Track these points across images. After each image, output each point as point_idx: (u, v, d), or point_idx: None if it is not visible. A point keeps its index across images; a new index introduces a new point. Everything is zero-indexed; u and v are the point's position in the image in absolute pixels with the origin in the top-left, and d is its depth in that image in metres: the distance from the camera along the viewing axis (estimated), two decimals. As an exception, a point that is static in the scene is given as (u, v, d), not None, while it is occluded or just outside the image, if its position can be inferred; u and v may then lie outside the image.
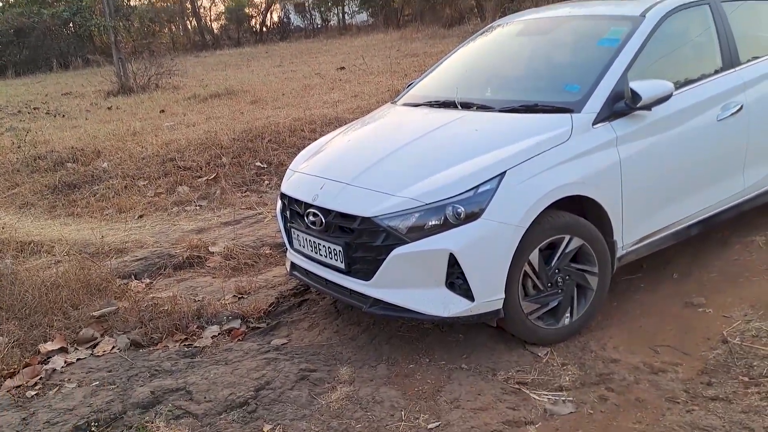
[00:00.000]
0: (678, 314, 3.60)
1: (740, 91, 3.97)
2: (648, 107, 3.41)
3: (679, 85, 3.70)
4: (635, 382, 3.02)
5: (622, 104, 3.41)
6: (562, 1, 5.58)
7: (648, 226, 3.65)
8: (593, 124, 3.37)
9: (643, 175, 3.50)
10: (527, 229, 3.09)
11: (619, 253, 3.54)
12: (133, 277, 4.66)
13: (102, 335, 3.80)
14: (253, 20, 35.31)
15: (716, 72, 3.97)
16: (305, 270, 3.69)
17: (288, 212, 3.75)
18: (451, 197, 3.07)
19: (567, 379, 3.09)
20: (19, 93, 17.00)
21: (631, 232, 3.55)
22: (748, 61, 4.12)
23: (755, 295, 3.70)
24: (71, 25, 27.46)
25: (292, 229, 3.70)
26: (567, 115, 3.39)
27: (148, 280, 4.63)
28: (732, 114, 3.88)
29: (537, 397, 2.96)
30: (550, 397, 2.96)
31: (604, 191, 3.36)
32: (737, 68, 4.03)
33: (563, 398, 2.95)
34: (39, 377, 3.37)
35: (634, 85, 3.38)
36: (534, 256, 3.20)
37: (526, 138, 3.29)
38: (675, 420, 2.73)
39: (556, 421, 2.80)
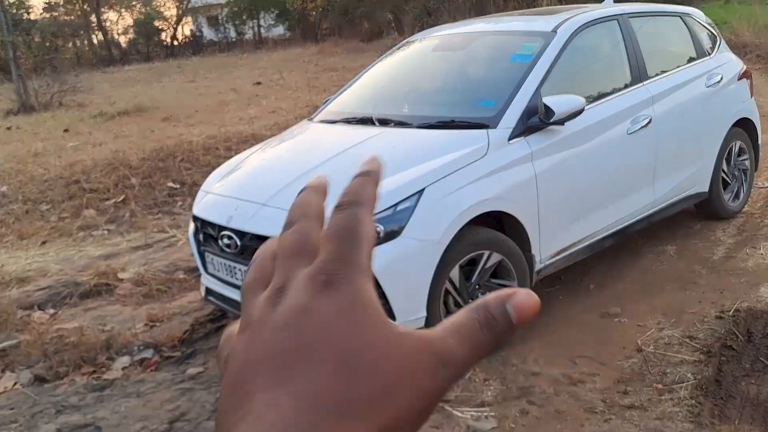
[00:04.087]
0: (595, 325, 3.67)
1: (649, 105, 4.11)
2: (561, 122, 3.47)
3: (590, 100, 3.79)
4: (555, 394, 3.04)
5: (536, 119, 3.46)
6: (477, 16, 5.67)
7: (564, 239, 3.71)
8: (509, 139, 3.40)
9: (559, 189, 3.56)
10: (447, 246, 3.07)
11: (538, 266, 3.57)
12: (36, 307, 4.37)
13: (3, 371, 3.57)
14: (164, 34, 34.45)
15: (626, 86, 4.10)
16: (221, 294, 3.54)
17: (201, 235, 3.59)
18: (370, 216, 3.00)
19: (489, 394, 3.08)
20: None
21: (548, 246, 3.59)
22: (656, 75, 4.28)
23: (667, 304, 3.82)
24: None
25: (206, 253, 3.55)
26: (483, 131, 3.41)
27: (52, 311, 4.34)
28: (642, 127, 4.01)
29: (460, 414, 2.93)
30: (473, 413, 2.94)
31: (521, 206, 3.39)
32: (645, 82, 4.18)
33: (486, 414, 2.93)
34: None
35: (548, 100, 3.44)
36: (455, 273, 3.18)
37: (443, 154, 3.29)
38: (593, 430, 2.77)
39: (480, 439, 2.78)
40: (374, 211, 0.39)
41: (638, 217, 4.17)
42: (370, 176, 0.40)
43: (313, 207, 0.41)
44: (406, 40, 5.03)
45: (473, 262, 3.27)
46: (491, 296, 0.36)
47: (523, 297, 0.35)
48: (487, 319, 0.35)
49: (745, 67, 5.05)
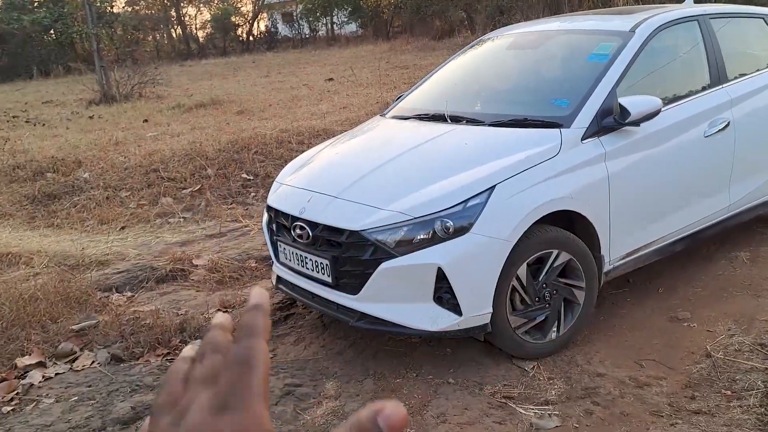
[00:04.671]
0: (663, 328, 3.61)
1: (727, 108, 4.00)
2: (637, 123, 3.43)
3: (667, 101, 3.72)
4: (620, 396, 3.02)
5: (611, 120, 3.42)
6: (552, 15, 5.62)
7: (635, 241, 3.66)
8: (582, 139, 3.38)
9: (631, 191, 3.51)
10: (516, 244, 3.09)
11: (606, 268, 3.54)
12: (114, 290, 4.58)
13: (81, 349, 3.72)
14: (240, 29, 35.30)
15: (704, 88, 4.00)
16: (291, 284, 3.64)
17: (274, 225, 3.71)
18: (440, 211, 3.05)
19: (553, 393, 3.08)
20: (-1, 101, 16.82)
21: (618, 247, 3.55)
22: (736, 78, 4.16)
23: (738, 310, 3.73)
24: (52, 31, 27.23)
25: (279, 242, 3.66)
26: (556, 130, 3.40)
27: (129, 294, 4.55)
28: (719, 130, 3.91)
29: (523, 412, 2.95)
30: (536, 411, 2.95)
31: (592, 206, 3.37)
32: (724, 85, 4.07)
33: (549, 412, 2.94)
34: (16, 392, 3.29)
35: (623, 100, 3.39)
36: (522, 271, 3.19)
37: (515, 152, 3.29)
38: (660, 434, 2.73)
39: (543, 437, 2.79)
40: (268, 338, 0.45)
41: (712, 222, 4.07)
42: (260, 309, 0.47)
43: (219, 343, 0.47)
44: (479, 38, 5.03)
45: (541, 261, 3.27)
46: (364, 411, 0.42)
47: (392, 410, 0.41)
48: None
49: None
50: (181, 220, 6.17)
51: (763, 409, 2.84)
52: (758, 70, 4.36)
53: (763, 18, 4.64)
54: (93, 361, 3.59)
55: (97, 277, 4.74)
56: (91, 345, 3.77)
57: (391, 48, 23.13)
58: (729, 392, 3.00)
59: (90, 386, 3.32)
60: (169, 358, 3.63)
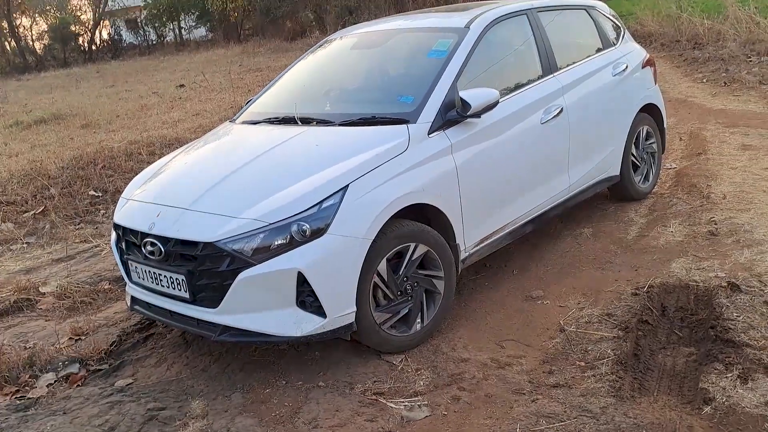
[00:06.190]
0: (520, 308, 3.80)
1: (560, 95, 4.27)
2: (477, 114, 3.57)
3: (505, 92, 3.91)
4: (484, 379, 3.13)
5: (454, 113, 3.55)
6: (397, 13, 5.74)
7: (487, 228, 3.82)
8: (429, 133, 3.48)
9: (479, 180, 3.66)
10: (373, 241, 3.12)
11: (463, 255, 3.67)
12: (-50, 328, 4.16)
13: None
14: (81, 38, 33.17)
15: (538, 78, 4.25)
16: (147, 303, 3.48)
17: (123, 243, 3.52)
18: (295, 215, 3.02)
19: (421, 383, 3.14)
20: None
21: (471, 235, 3.69)
22: (566, 66, 4.45)
23: (585, 284, 3.99)
24: None
25: (129, 261, 3.48)
26: (403, 126, 3.47)
27: (-31, 330, 4.15)
28: (554, 117, 4.17)
29: (394, 406, 2.98)
30: (406, 404, 2.99)
31: (443, 198, 3.47)
32: (556, 73, 4.34)
33: (419, 403, 2.99)
34: None
35: (463, 94, 3.53)
36: (382, 267, 3.23)
37: (365, 150, 3.33)
38: (522, 411, 2.85)
39: (413, 427, 2.84)
40: None
41: (555, 203, 4.34)
42: None
43: None
44: (325, 39, 5.05)
45: (400, 255, 3.32)
46: None
47: None
48: None
49: (648, 55, 5.30)
50: (25, 245, 5.72)
51: (614, 376, 3.03)
52: (586, 58, 4.70)
53: (585, 9, 5.00)
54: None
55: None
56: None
57: (243, 51, 22.74)
58: (583, 363, 3.18)
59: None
60: (18, 396, 3.35)
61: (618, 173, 4.90)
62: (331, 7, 22.64)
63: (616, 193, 5.16)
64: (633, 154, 5.03)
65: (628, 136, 4.91)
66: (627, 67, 4.90)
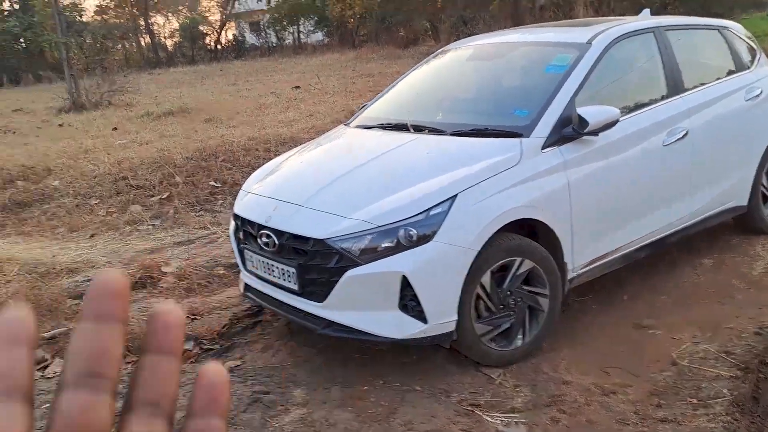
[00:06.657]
0: (628, 336, 3.65)
1: (685, 117, 4.10)
2: (595, 132, 3.50)
3: (625, 111, 3.80)
4: (586, 404, 3.04)
5: (570, 129, 3.49)
6: (513, 27, 5.71)
7: (598, 249, 3.72)
8: (542, 148, 3.44)
9: (592, 199, 3.58)
10: (479, 252, 3.12)
11: (570, 275, 3.59)
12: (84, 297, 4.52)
13: (53, 357, 3.69)
14: (208, 38, 35.07)
15: (662, 98, 4.10)
16: (259, 291, 3.65)
17: (241, 233, 3.71)
18: (404, 219, 3.08)
19: (519, 400, 3.10)
20: (-35, 109, 16.47)
21: (581, 255, 3.61)
22: (693, 87, 4.27)
23: (703, 317, 3.76)
24: (22, 40, 26.87)
25: (246, 250, 3.66)
26: (517, 140, 3.45)
27: (98, 302, 4.48)
28: (678, 139, 4.01)
29: (490, 419, 2.97)
30: (502, 419, 2.97)
31: (553, 214, 3.42)
32: (682, 95, 4.17)
33: (516, 420, 2.95)
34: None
35: (582, 110, 3.46)
36: (486, 279, 3.22)
37: (477, 161, 3.34)
38: (625, 441, 2.76)
39: (508, 443, 2.82)
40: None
41: (674, 229, 4.15)
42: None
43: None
44: (441, 49, 5.09)
45: (505, 269, 3.31)
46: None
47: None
48: None
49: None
50: (150, 227, 6.12)
51: (729, 418, 2.85)
52: (716, 80, 4.49)
53: (717, 29, 4.78)
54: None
55: (67, 284, 4.69)
56: (62, 352, 3.71)
57: (357, 56, 23.18)
58: (695, 400, 3.01)
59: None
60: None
61: (745, 203, 4.63)
62: (446, 17, 22.69)
63: (742, 224, 4.86)
64: (763, 185, 4.75)
65: (759, 165, 4.64)
66: (762, 92, 4.64)
